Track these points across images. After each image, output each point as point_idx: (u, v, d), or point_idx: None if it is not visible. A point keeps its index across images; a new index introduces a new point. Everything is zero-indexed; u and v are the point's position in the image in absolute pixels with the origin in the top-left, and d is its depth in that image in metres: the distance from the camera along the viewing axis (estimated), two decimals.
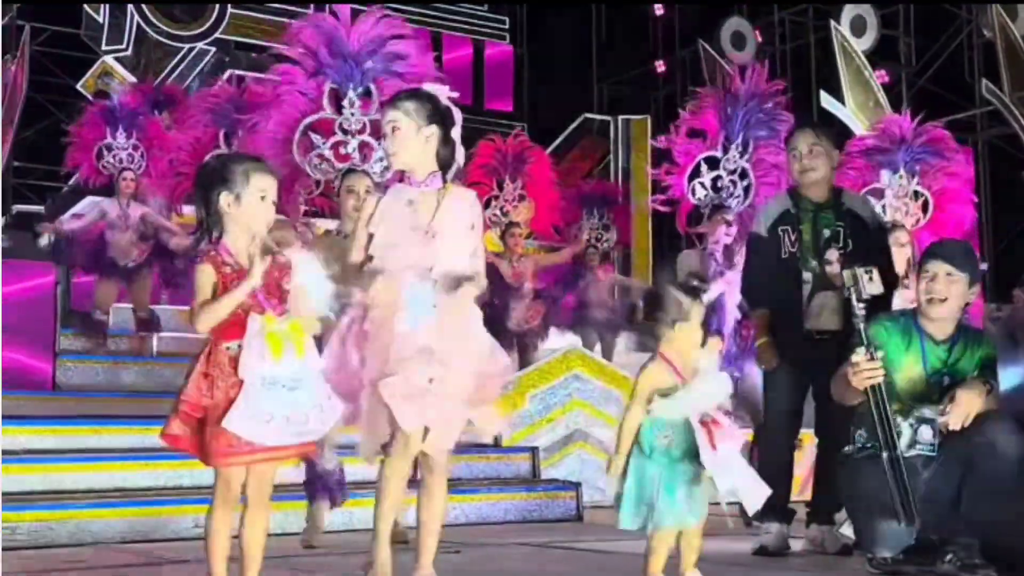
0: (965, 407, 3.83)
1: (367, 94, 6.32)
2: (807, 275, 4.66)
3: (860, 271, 3.90)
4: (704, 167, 7.00)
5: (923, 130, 7.93)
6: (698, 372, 3.33)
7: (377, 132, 6.01)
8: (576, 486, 6.83)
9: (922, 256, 4.15)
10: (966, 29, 13.68)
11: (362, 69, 6.10)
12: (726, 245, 6.79)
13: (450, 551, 4.81)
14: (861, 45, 13.00)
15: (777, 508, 4.80)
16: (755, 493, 3.34)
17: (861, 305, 3.88)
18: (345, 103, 6.19)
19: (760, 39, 14.58)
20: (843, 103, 12.54)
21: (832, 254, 4.60)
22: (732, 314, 6.04)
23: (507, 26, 15.33)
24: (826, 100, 12.64)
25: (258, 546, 3.13)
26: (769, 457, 4.82)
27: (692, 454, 3.30)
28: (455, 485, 6.24)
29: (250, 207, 3.12)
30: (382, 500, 3.36)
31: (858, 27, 13.35)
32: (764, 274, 4.75)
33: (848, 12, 13.45)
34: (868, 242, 4.71)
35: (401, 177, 3.43)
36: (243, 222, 3.13)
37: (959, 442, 3.89)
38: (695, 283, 3.42)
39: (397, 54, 6.09)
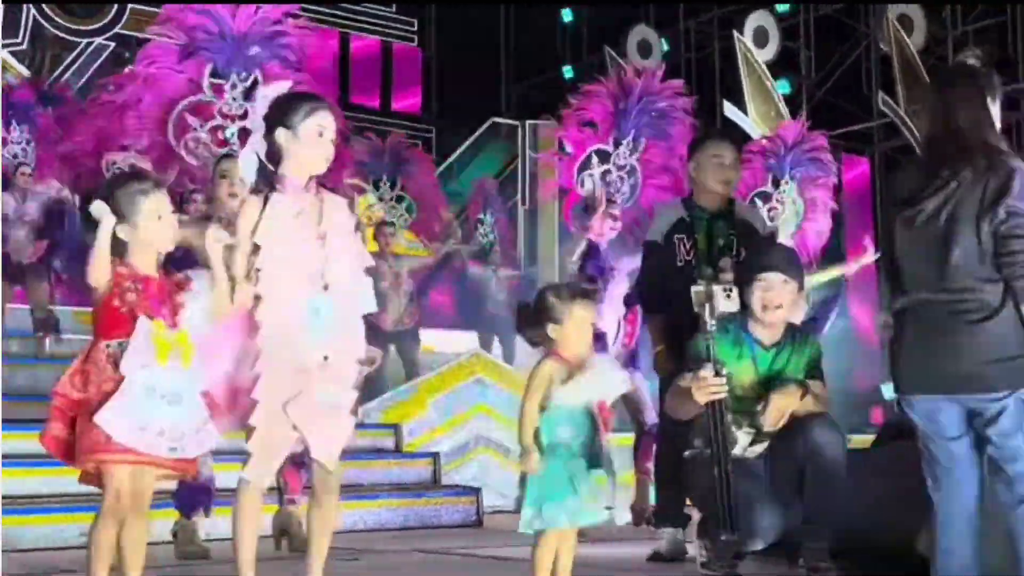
0: (777, 409, 3.97)
1: (251, 79, 6.14)
2: (700, 281, 4.72)
3: (717, 288, 3.99)
4: (595, 159, 7.02)
5: (807, 138, 8.16)
6: (591, 364, 3.35)
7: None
8: (476, 491, 6.83)
9: (753, 265, 4.24)
10: (864, 42, 14.01)
11: (246, 53, 5.95)
12: (610, 239, 6.85)
13: (347, 558, 4.78)
14: (763, 56, 13.24)
15: (672, 513, 4.87)
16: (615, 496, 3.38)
17: (712, 322, 3.97)
18: (226, 87, 6.03)
19: (666, 48, 14.75)
20: (745, 112, 12.75)
21: (726, 262, 4.67)
22: (617, 312, 6.06)
23: (415, 27, 15.28)
24: (729, 109, 12.84)
25: (138, 556, 3.08)
26: (665, 463, 4.87)
27: (589, 449, 3.30)
28: (354, 491, 6.22)
29: (147, 231, 3.11)
30: (245, 527, 3.26)
31: (760, 38, 13.59)
32: (660, 281, 4.79)
33: (751, 23, 13.69)
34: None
35: (273, 185, 3.33)
36: (143, 242, 3.12)
37: (789, 446, 4.05)
38: (585, 285, 3.45)
39: (283, 41, 5.95)
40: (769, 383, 4.16)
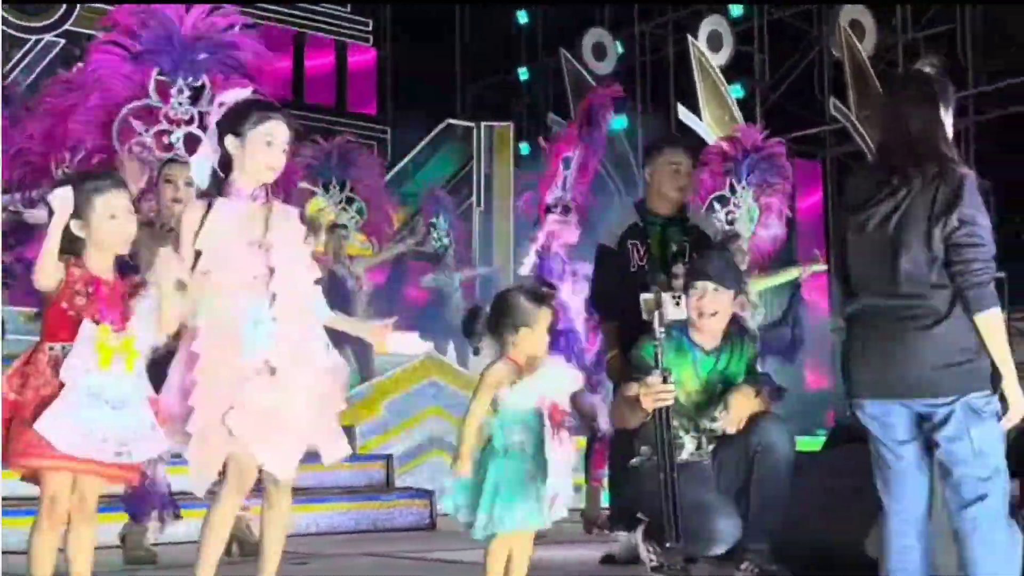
0: (738, 411, 4.01)
1: (198, 84, 6.08)
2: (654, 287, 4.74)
3: (666, 296, 4.02)
4: (562, 166, 7.07)
5: (764, 144, 8.27)
6: (542, 365, 3.34)
7: (205, 125, 5.81)
8: (429, 494, 6.82)
9: (688, 273, 4.28)
10: (816, 48, 14.13)
11: (193, 58, 5.89)
12: (570, 245, 6.87)
13: (297, 562, 4.75)
14: (717, 60, 13.32)
15: (625, 517, 4.88)
16: (569, 500, 3.37)
17: (662, 329, 4.00)
18: (173, 92, 5.96)
19: (621, 51, 14.81)
20: (699, 116, 12.82)
21: (679, 268, 4.69)
22: (580, 315, 6.09)
23: (370, 28, 15.22)
24: (683, 113, 12.91)
25: (85, 563, 3.04)
26: (619, 467, 4.88)
27: (540, 453, 3.29)
28: (306, 494, 6.18)
29: (99, 231, 3.09)
30: (211, 546, 3.23)
31: (714, 42, 13.67)
32: (614, 287, 4.81)
33: (705, 27, 13.77)
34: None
35: (221, 191, 3.29)
36: (98, 241, 3.10)
37: (736, 447, 4.09)
38: (543, 290, 3.44)
39: (231, 45, 5.89)
40: (711, 387, 4.19)
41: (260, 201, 3.28)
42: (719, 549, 4.19)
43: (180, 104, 5.85)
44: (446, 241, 10.58)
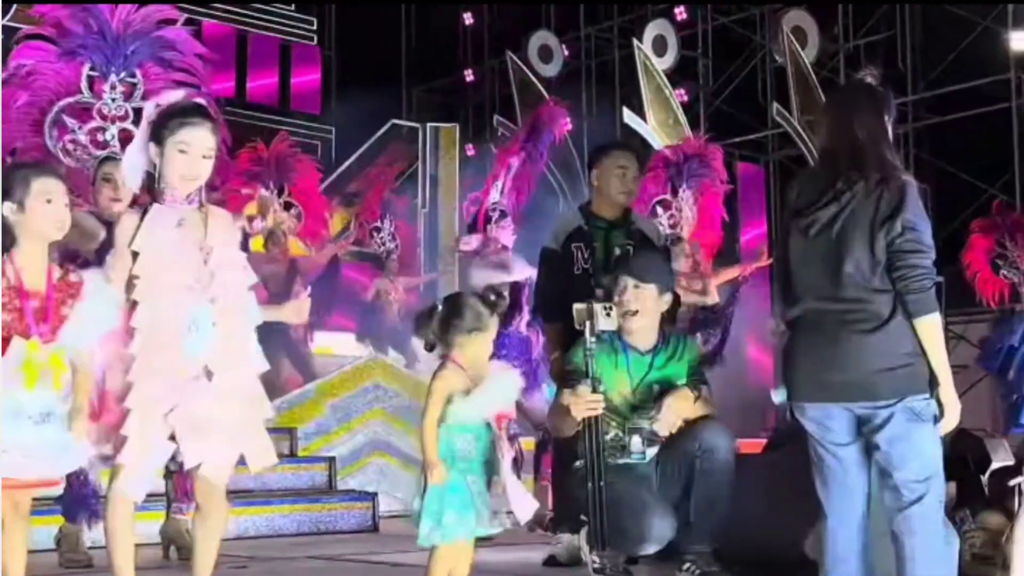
0: (673, 414, 4.04)
1: (131, 79, 5.97)
2: (599, 292, 4.76)
3: (598, 307, 4.05)
4: (503, 172, 7.10)
5: (704, 150, 8.41)
6: (488, 374, 3.35)
7: (138, 120, 5.72)
8: (372, 496, 6.79)
9: (612, 269, 4.31)
10: (760, 54, 14.28)
11: (126, 53, 5.79)
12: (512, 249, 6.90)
13: (236, 566, 4.71)
14: (662, 64, 13.40)
15: (568, 519, 4.89)
16: (524, 505, 3.37)
17: (592, 339, 4.03)
18: (106, 88, 5.86)
19: (567, 53, 14.85)
20: (644, 119, 12.89)
21: None
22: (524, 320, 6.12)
23: (314, 26, 15.12)
24: (629, 116, 12.97)
25: (17, 564, 2.99)
26: (562, 469, 4.89)
27: (487, 461, 3.30)
28: (246, 497, 6.13)
29: (34, 213, 3.03)
30: (119, 541, 3.18)
31: (659, 47, 13.76)
32: (557, 289, 4.82)
33: (650, 32, 13.85)
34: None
35: (153, 196, 3.25)
36: (32, 229, 3.03)
37: (677, 451, 4.13)
38: (494, 297, 3.45)
39: (164, 40, 5.81)
40: (647, 388, 4.22)
41: (195, 205, 3.25)
42: (650, 549, 4.22)
43: (113, 100, 5.76)
44: (390, 244, 10.55)
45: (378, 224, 10.76)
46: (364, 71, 12.86)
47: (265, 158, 9.12)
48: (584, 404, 4.03)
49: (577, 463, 4.26)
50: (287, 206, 9.09)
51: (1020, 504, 3.60)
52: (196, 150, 3.22)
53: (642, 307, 4.24)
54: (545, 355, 5.63)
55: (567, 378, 4.20)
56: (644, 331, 4.28)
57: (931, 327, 3.14)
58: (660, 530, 4.17)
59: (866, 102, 3.31)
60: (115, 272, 3.16)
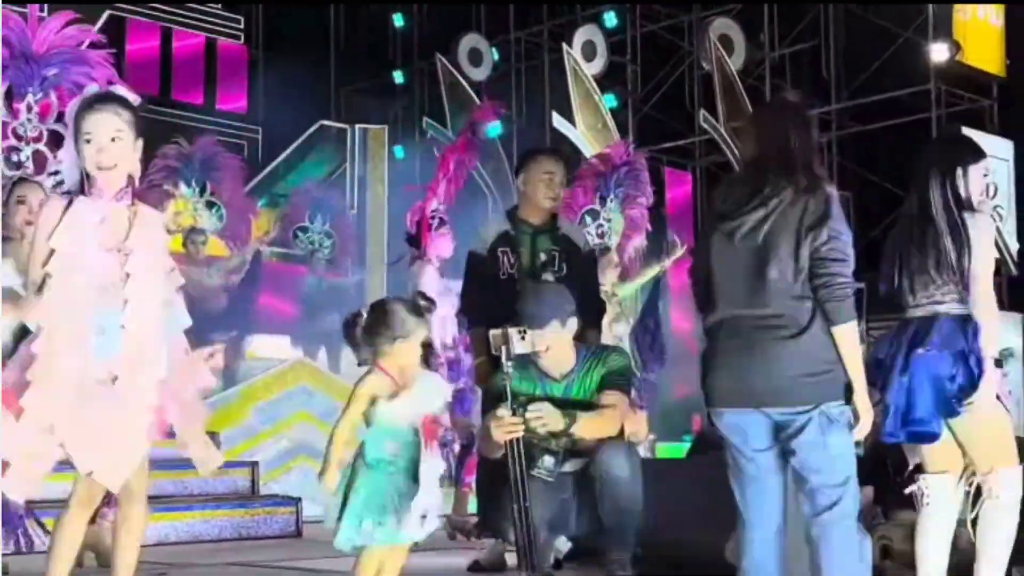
0: (584, 442, 4.08)
1: (48, 100, 5.86)
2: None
3: (512, 331, 4.08)
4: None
5: (630, 158, 8.48)
6: (415, 379, 3.33)
7: (53, 142, 5.66)
8: (296, 501, 6.72)
9: (519, 313, 4.30)
10: (687, 61, 14.43)
11: (44, 74, 5.69)
12: (444, 258, 6.89)
13: (155, 572, 4.64)
14: (591, 69, 13.48)
15: (493, 524, 4.88)
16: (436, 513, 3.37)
17: (509, 364, 4.05)
18: (22, 107, 5.75)
19: (496, 57, 14.86)
20: (574, 124, 12.95)
21: (548, 277, 4.73)
22: (451, 331, 6.12)
23: (241, 25, 14.94)
24: (558, 121, 13.02)
25: None
26: (486, 474, 4.89)
27: (412, 467, 3.27)
28: (166, 502, 6.04)
29: None
30: (59, 559, 3.13)
31: (588, 52, 13.84)
32: (483, 294, 4.82)
33: (579, 37, 13.92)
34: (581, 267, 4.87)
35: (83, 189, 3.18)
36: None
37: (585, 472, 4.19)
38: (422, 303, 3.42)
39: (82, 61, 5.72)
40: (564, 411, 4.22)
41: (125, 203, 3.18)
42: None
43: (29, 120, 5.66)
44: (327, 244, 10.47)
45: (305, 224, 10.67)
46: (292, 71, 12.72)
47: (189, 154, 9.01)
48: (505, 428, 4.05)
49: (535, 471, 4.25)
50: (209, 205, 8.98)
51: (922, 503, 3.69)
52: (101, 136, 3.12)
53: (550, 343, 4.28)
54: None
55: (491, 399, 4.21)
56: (557, 360, 4.31)
57: (849, 334, 3.20)
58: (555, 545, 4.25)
59: (796, 115, 3.38)
60: (31, 265, 3.09)
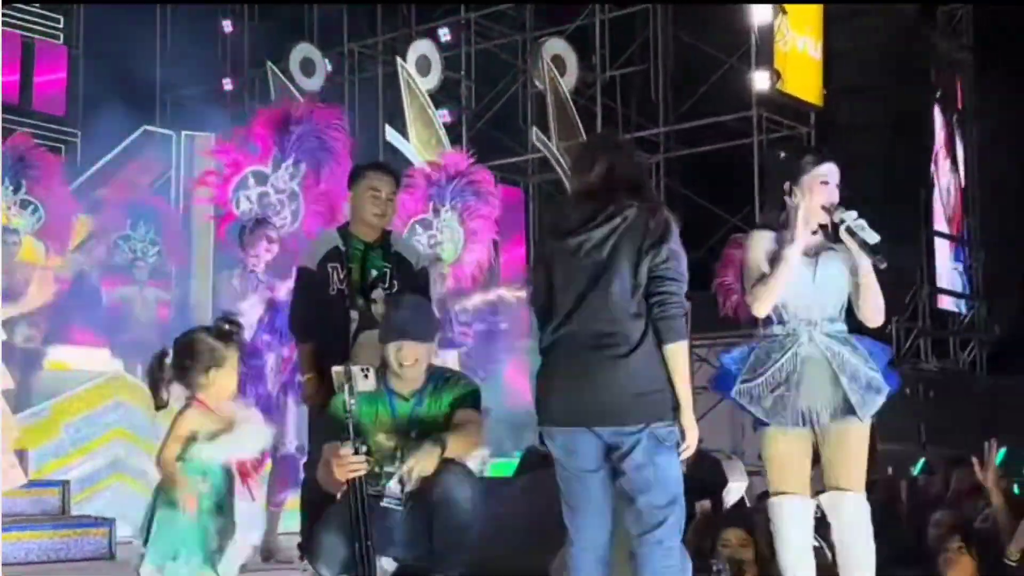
0: (415, 473, 4.02)
1: None
2: (354, 313, 4.68)
3: (355, 369, 4.00)
4: (252, 180, 6.89)
5: (470, 170, 8.44)
6: (237, 419, 3.23)
7: None
8: (110, 522, 6.43)
9: (386, 329, 4.26)
10: (521, 79, 14.58)
11: None
12: (267, 262, 6.71)
13: None
14: (426, 84, 13.47)
15: (320, 555, 4.76)
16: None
17: (352, 402, 3.97)
18: None
19: (330, 68, 14.69)
20: (407, 138, 12.91)
21: (379, 294, 4.67)
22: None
23: (61, 24, 14.36)
24: (391, 134, 12.96)
25: None
26: (313, 495, 4.76)
27: (226, 504, 3.18)
28: None
29: None
30: None
31: (423, 67, 13.82)
32: (312, 309, 4.72)
33: (414, 51, 13.91)
34: (413, 284, 4.81)
35: None
36: None
37: (421, 496, 4.14)
38: (228, 327, 3.31)
39: None
40: (408, 432, 4.16)
41: None
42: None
43: None
44: (151, 253, 10.11)
45: (127, 232, 10.28)
46: (115, 74, 12.29)
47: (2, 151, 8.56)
48: (348, 467, 3.94)
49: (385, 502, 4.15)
50: (24, 204, 8.55)
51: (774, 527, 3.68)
52: None
53: (420, 358, 4.20)
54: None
55: (331, 431, 4.08)
56: (413, 377, 4.23)
57: (680, 353, 3.27)
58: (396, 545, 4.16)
59: (629, 144, 3.54)
60: None
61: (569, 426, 3.28)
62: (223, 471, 3.20)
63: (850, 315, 3.72)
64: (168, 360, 3.24)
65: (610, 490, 3.30)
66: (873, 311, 3.62)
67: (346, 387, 3.94)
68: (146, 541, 3.12)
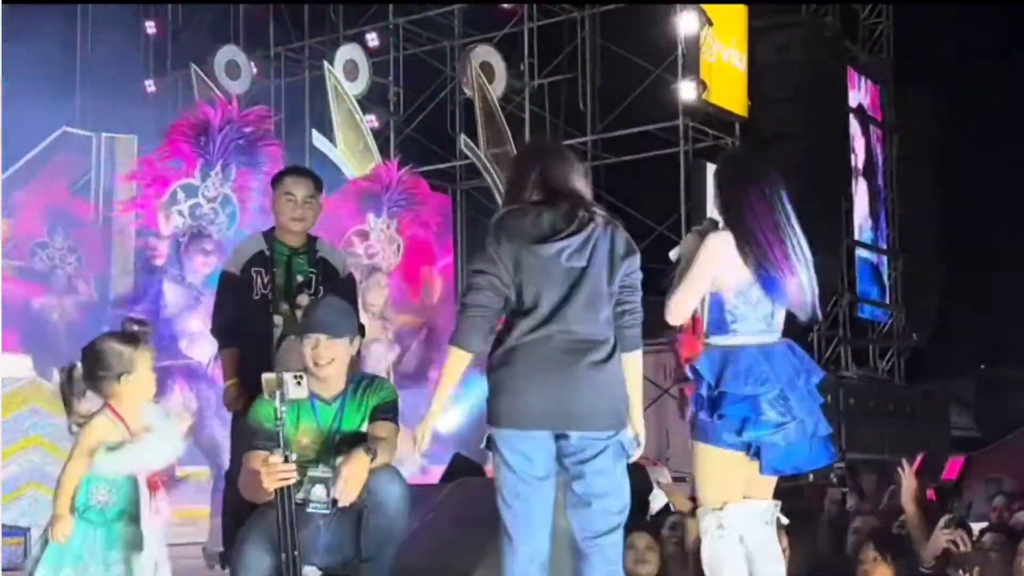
0: (352, 484, 3.96)
1: None
2: (277, 319, 4.62)
3: (287, 376, 3.91)
4: (181, 195, 6.80)
5: (404, 179, 8.43)
6: (150, 427, 3.14)
7: None
8: (25, 531, 6.30)
9: (302, 324, 4.21)
10: (449, 85, 14.56)
11: None
12: (206, 275, 6.63)
13: None
14: (353, 89, 13.39)
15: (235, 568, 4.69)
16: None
17: (283, 409, 3.90)
18: None
19: (256, 71, 14.54)
20: (334, 143, 12.82)
21: (303, 299, 4.61)
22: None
23: None
24: (318, 139, 12.86)
25: None
26: (235, 505, 4.67)
27: (131, 516, 3.09)
28: None
29: None
30: None
31: (351, 71, 13.74)
32: (235, 313, 4.65)
33: (341, 56, 13.82)
34: (340, 290, 4.76)
35: None
36: None
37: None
38: (136, 329, 3.22)
39: None
40: (331, 436, 4.11)
41: None
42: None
43: None
44: (70, 260, 9.91)
45: (44, 239, 10.07)
46: (33, 71, 12.00)
47: None
48: (277, 476, 3.86)
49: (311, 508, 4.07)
50: None
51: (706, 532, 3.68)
52: None
53: (337, 356, 4.13)
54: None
55: (253, 437, 4.00)
56: (334, 378, 4.16)
57: (639, 361, 3.34)
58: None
59: (576, 159, 3.49)
60: None
61: (543, 429, 3.22)
62: (130, 482, 3.11)
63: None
64: (77, 372, 3.14)
65: (554, 492, 3.30)
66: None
67: (277, 394, 3.86)
68: (41, 551, 3.02)
